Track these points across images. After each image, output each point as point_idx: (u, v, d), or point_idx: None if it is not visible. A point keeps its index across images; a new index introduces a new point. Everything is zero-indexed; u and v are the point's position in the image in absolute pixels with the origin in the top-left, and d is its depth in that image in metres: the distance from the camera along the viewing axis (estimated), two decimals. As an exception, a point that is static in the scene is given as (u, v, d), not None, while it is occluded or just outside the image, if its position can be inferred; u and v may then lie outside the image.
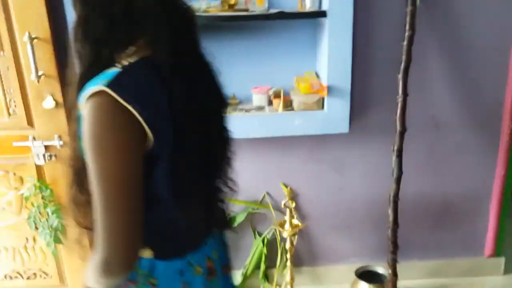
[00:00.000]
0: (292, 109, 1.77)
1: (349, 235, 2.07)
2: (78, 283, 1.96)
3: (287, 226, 1.85)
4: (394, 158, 1.72)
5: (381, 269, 1.96)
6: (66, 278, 1.96)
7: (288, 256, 1.90)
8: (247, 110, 1.78)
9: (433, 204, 2.02)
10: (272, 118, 1.75)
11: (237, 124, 1.74)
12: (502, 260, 2.14)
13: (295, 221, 1.88)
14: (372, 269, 1.99)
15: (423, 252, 2.11)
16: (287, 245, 1.88)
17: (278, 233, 2.03)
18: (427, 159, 1.95)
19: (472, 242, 2.12)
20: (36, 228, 1.82)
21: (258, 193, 2.01)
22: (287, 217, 1.85)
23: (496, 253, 2.13)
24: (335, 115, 1.75)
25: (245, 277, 2.07)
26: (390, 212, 1.77)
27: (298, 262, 2.09)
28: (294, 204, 1.86)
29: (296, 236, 1.94)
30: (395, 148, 1.71)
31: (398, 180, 1.74)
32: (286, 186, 1.96)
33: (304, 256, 2.11)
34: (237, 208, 2.01)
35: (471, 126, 1.90)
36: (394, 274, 1.80)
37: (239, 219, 2.00)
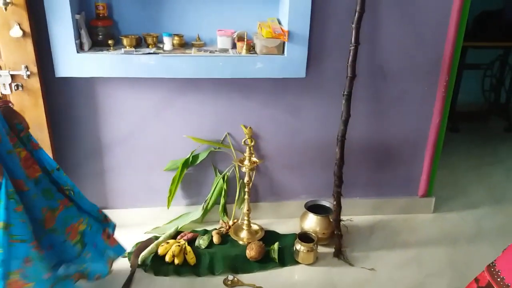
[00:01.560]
0: (255, 53, 1.89)
1: (301, 174, 2.27)
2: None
3: (246, 161, 2.02)
4: (343, 101, 1.90)
5: (328, 203, 2.19)
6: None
7: (246, 189, 2.07)
8: (211, 51, 1.88)
9: (376, 147, 2.26)
10: (235, 60, 1.87)
11: (202, 64, 1.87)
12: (432, 200, 2.44)
13: (254, 158, 2.04)
14: (319, 203, 2.21)
15: (364, 191, 2.37)
16: (246, 179, 2.05)
17: (237, 170, 2.19)
18: (373, 105, 2.16)
19: (408, 184, 2.40)
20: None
21: (220, 133, 2.15)
22: (246, 154, 2.01)
23: (428, 193, 2.42)
24: (294, 60, 1.89)
25: (206, 211, 2.24)
26: (337, 150, 1.97)
27: (255, 198, 2.29)
28: (253, 143, 2.02)
29: (254, 172, 2.12)
30: (345, 92, 1.89)
31: (346, 122, 1.93)
32: (246, 127, 2.11)
33: (261, 193, 2.30)
34: (199, 147, 2.15)
35: (413, 77, 2.12)
36: (338, 205, 2.03)
37: (202, 157, 2.14)
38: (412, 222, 2.38)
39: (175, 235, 2.13)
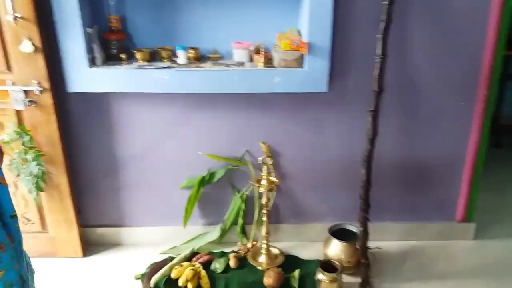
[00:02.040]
0: (273, 66, 1.77)
1: (325, 194, 2.12)
2: (59, 229, 2.01)
3: (263, 181, 1.89)
4: (370, 119, 1.74)
5: (354, 228, 2.01)
6: (48, 225, 2.00)
7: (264, 211, 1.94)
8: (227, 65, 1.78)
9: (408, 167, 2.07)
10: (252, 74, 1.75)
11: (217, 79, 1.77)
12: (473, 226, 2.20)
13: (272, 178, 1.91)
14: (345, 227, 2.04)
15: (395, 215, 2.17)
16: (264, 201, 1.92)
17: (256, 190, 2.07)
18: (404, 122, 1.98)
19: (445, 207, 2.18)
20: (18, 175, 1.84)
21: (238, 150, 2.03)
22: (264, 173, 1.88)
23: (467, 218, 2.19)
24: (315, 74, 1.76)
25: (223, 232, 2.12)
26: (363, 171, 1.80)
27: (275, 219, 2.15)
28: (271, 161, 1.88)
29: (274, 193, 1.99)
30: (371, 108, 1.73)
31: (373, 141, 1.76)
32: (265, 144, 1.98)
33: (282, 214, 2.16)
34: (216, 165, 2.04)
35: (448, 91, 1.93)
36: (365, 232, 1.85)
37: (219, 175, 2.04)
38: (449, 250, 2.16)
39: (190, 257, 2.03)
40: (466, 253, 2.13)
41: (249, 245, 2.09)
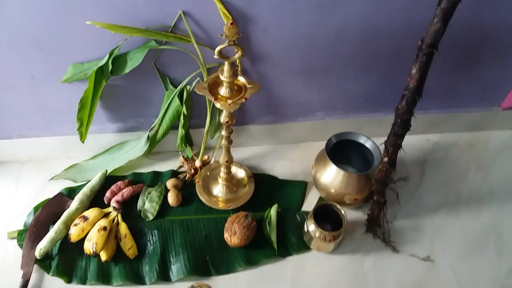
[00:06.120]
0: None
1: (323, 82, 1.26)
2: None
3: (223, 90, 0.97)
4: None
5: (366, 138, 1.25)
6: None
7: (224, 133, 1.09)
8: None
9: (458, 39, 1.20)
10: None
11: None
12: (517, 113, 1.53)
13: (241, 80, 0.99)
14: (350, 137, 1.26)
15: (425, 102, 1.41)
16: (224, 119, 1.04)
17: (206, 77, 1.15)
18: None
19: (491, 91, 1.44)
20: None
21: (168, 12, 1.01)
22: (225, 76, 0.94)
23: (518, 104, 1.50)
24: None
25: (153, 142, 1.29)
26: (414, 69, 0.95)
27: (241, 120, 1.32)
28: (240, 51, 0.92)
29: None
30: None
31: (449, 14, 0.85)
32: (224, 5, 0.98)
33: (250, 112, 1.32)
34: (128, 40, 1.05)
35: None
36: (392, 164, 1.11)
37: (134, 60, 1.06)
38: (485, 141, 1.52)
39: (101, 189, 1.24)
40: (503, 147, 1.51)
41: (197, 162, 1.31)
